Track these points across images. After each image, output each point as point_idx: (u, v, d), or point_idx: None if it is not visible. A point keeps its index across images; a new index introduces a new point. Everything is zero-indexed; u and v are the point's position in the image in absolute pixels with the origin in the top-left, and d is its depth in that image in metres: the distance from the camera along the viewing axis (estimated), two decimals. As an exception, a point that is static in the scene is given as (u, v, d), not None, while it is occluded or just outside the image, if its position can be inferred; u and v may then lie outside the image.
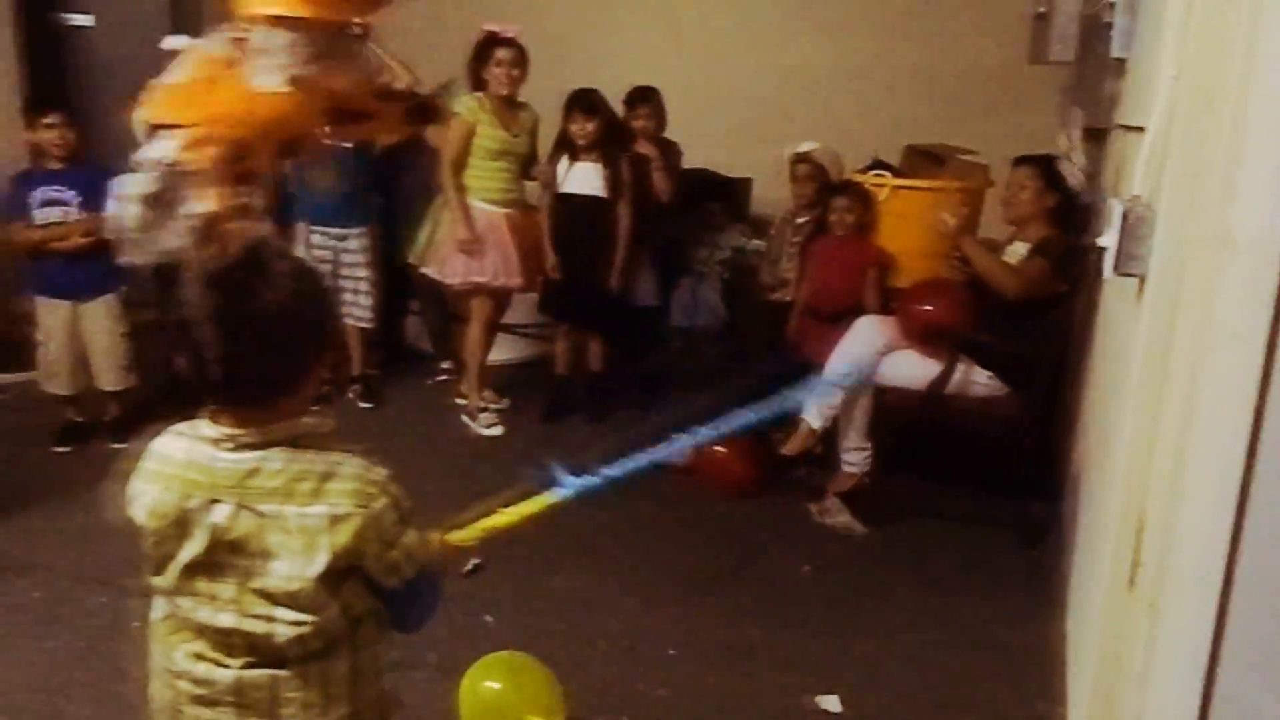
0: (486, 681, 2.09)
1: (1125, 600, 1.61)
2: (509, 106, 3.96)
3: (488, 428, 4.05)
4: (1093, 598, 1.96)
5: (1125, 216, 1.67)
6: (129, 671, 2.34)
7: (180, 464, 1.25)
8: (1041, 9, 3.91)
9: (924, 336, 3.27)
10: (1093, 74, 3.82)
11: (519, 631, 2.59)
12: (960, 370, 3.23)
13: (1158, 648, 1.43)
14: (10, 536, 3.03)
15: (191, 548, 1.23)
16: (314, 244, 4.16)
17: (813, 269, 3.88)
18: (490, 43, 3.92)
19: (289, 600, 1.23)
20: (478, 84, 3.95)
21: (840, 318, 3.62)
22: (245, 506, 1.22)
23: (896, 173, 3.98)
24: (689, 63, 5.17)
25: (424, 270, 4.13)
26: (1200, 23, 1.61)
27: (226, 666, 1.27)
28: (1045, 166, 3.34)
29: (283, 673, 1.26)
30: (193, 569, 1.24)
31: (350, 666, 1.30)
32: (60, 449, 3.72)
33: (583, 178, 4.02)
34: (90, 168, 3.66)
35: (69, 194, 3.59)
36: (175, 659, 1.30)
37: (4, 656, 2.45)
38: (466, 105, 3.92)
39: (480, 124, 3.91)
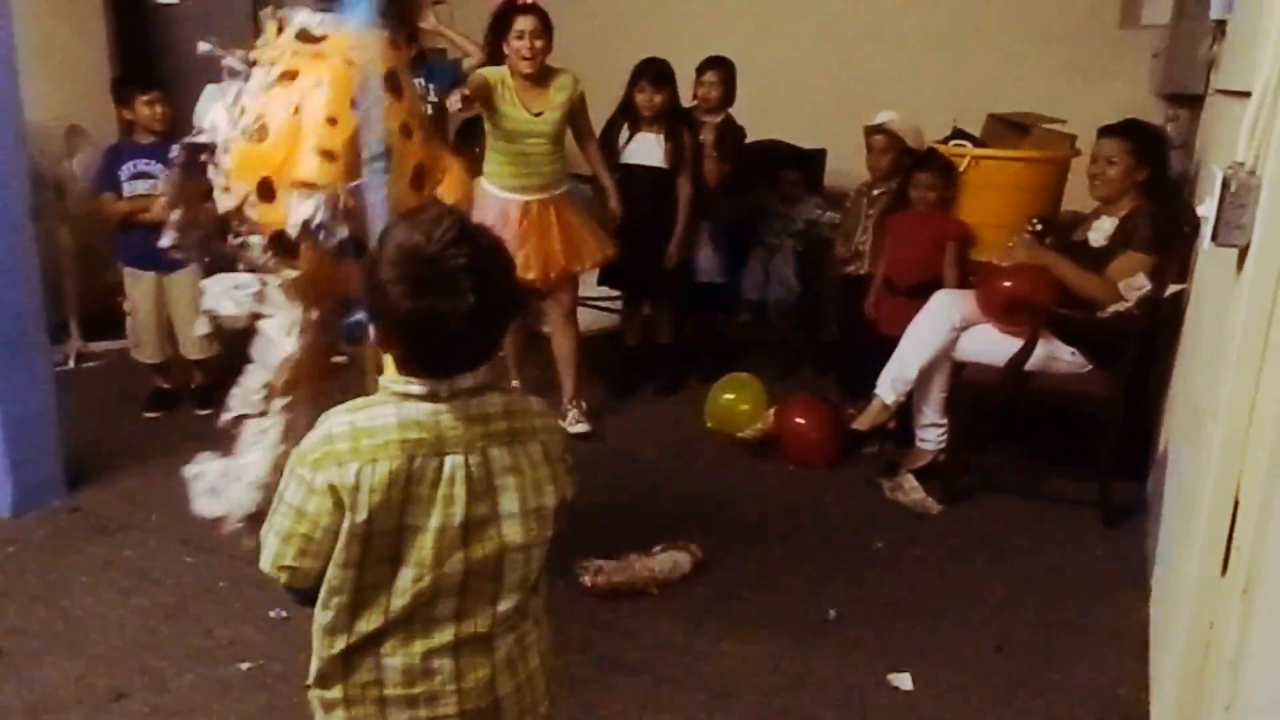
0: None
1: (1217, 584, 1.55)
2: (534, 82, 3.54)
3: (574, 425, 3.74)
4: (1182, 580, 1.90)
5: (1226, 184, 1.59)
6: (215, 630, 2.46)
7: (394, 428, 1.21)
8: (1134, -30, 3.75)
9: (1005, 311, 3.18)
10: (1188, 37, 3.66)
11: (586, 602, 2.61)
12: (1042, 346, 3.12)
13: (1251, 633, 1.38)
14: (103, 497, 3.16)
15: (442, 513, 1.22)
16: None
17: (891, 243, 3.80)
18: (509, 10, 3.54)
19: (533, 536, 1.27)
20: (497, 57, 3.57)
21: (918, 292, 3.54)
22: (478, 451, 1.24)
23: (978, 142, 3.86)
24: (762, 32, 5.07)
25: None
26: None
27: (463, 640, 1.27)
28: (1136, 137, 3.18)
29: (526, 621, 1.33)
30: (445, 532, 1.22)
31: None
32: (150, 414, 3.85)
33: (644, 149, 3.96)
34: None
35: (156, 167, 3.69)
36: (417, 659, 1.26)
37: (98, 611, 2.55)
38: (489, 73, 3.53)
39: (500, 99, 3.50)
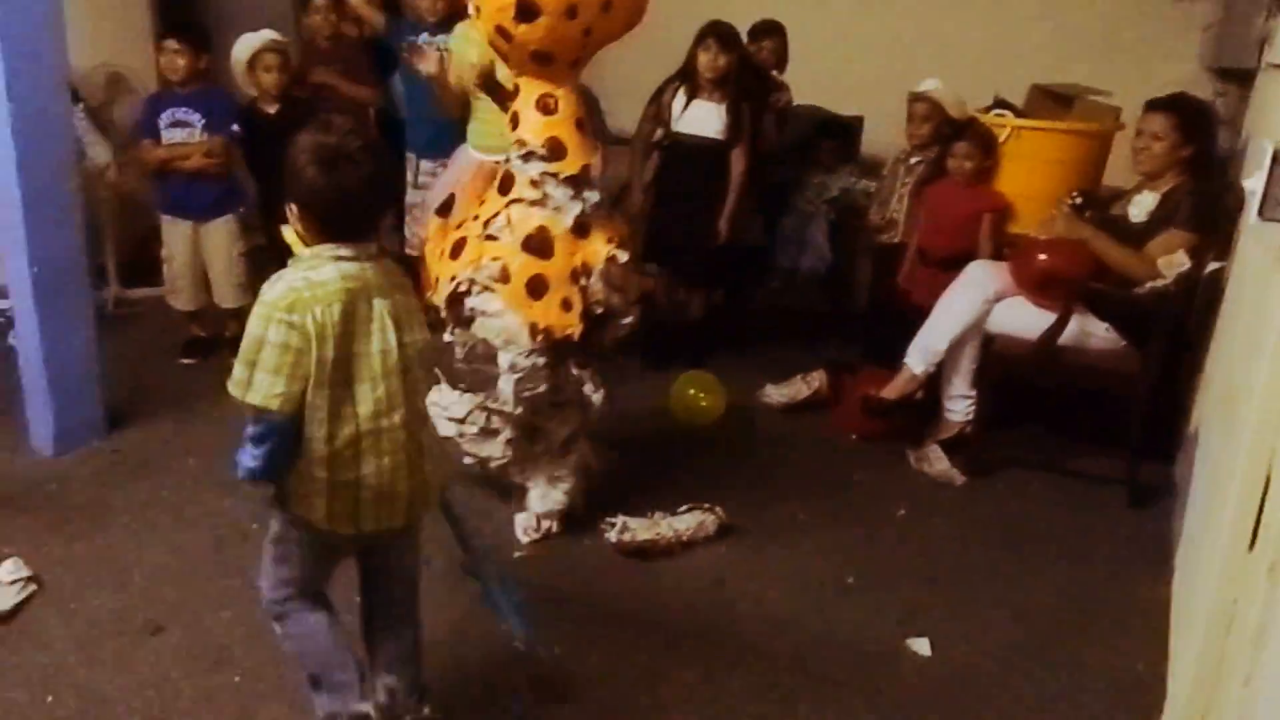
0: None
1: (1244, 561, 1.56)
2: None
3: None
4: (1207, 557, 1.90)
5: (1277, 159, 1.57)
6: (249, 570, 2.51)
7: (335, 280, 1.61)
8: (1187, -58, 3.66)
9: (1040, 285, 3.15)
10: (1242, 11, 3.58)
11: (611, 560, 2.65)
12: (1076, 322, 3.10)
13: (1276, 608, 1.38)
14: (142, 440, 3.23)
15: (379, 339, 1.66)
16: (423, 171, 4.20)
17: (926, 213, 3.77)
18: None
19: (423, 357, 1.76)
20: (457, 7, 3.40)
21: (952, 263, 3.52)
22: (390, 296, 1.68)
23: (1020, 113, 3.81)
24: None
25: None
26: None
27: (403, 426, 1.71)
28: (1183, 112, 3.11)
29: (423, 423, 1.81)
30: (385, 355, 1.66)
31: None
32: (185, 361, 3.92)
33: (701, 118, 3.75)
34: (214, 92, 3.79)
35: (194, 116, 3.71)
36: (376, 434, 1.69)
37: (136, 549, 2.62)
38: (456, 36, 3.43)
39: (466, 57, 3.35)
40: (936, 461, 3.27)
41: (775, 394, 3.77)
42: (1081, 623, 2.52)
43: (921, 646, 2.39)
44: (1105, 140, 3.69)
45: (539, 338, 2.52)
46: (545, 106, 2.50)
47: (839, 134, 4.74)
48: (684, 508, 2.80)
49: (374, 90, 4.36)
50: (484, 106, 3.35)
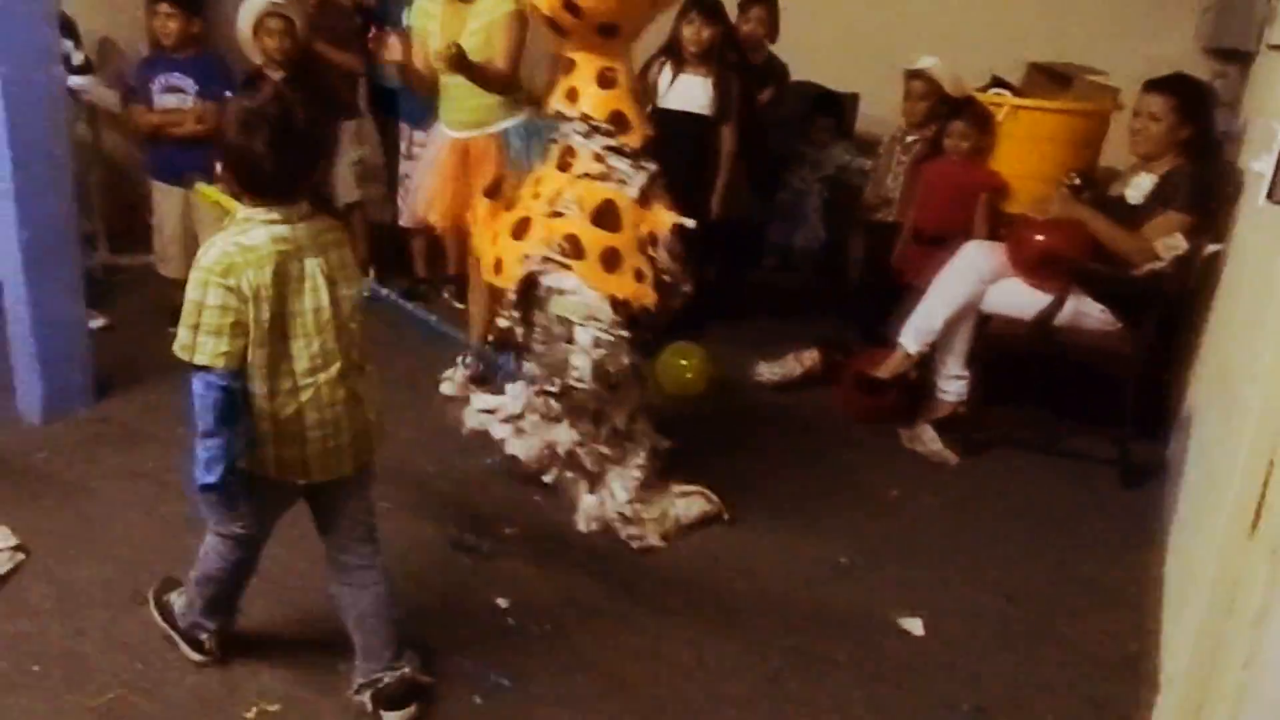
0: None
1: (1245, 544, 1.55)
2: (463, 2, 3.27)
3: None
4: (1206, 540, 1.90)
5: (1286, 141, 1.56)
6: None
7: (266, 243, 1.71)
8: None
9: (1036, 266, 3.14)
10: (1242, -9, 3.57)
11: (605, 537, 2.64)
12: (1072, 302, 3.10)
13: (1277, 592, 1.38)
14: (129, 408, 3.19)
15: (311, 297, 1.76)
16: (415, 142, 4.14)
17: (922, 191, 3.76)
18: None
19: (357, 311, 1.85)
20: None
21: (946, 242, 3.51)
22: (323, 254, 1.78)
23: (1017, 92, 3.79)
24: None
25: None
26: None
27: (340, 380, 1.81)
28: (1182, 93, 3.09)
29: (363, 376, 1.88)
30: (319, 313, 1.76)
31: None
32: (173, 329, 3.84)
33: (687, 92, 3.69)
34: (209, 58, 3.73)
35: (188, 81, 3.65)
36: (317, 386, 1.79)
37: (123, 518, 2.60)
38: (412, 10, 3.36)
39: (425, 33, 3.31)
40: (930, 441, 3.26)
41: (768, 372, 3.76)
42: (1074, 602, 2.53)
43: (914, 625, 2.39)
44: (1103, 120, 3.67)
45: (620, 310, 2.50)
46: (606, 80, 2.49)
47: (834, 110, 4.71)
48: (680, 489, 2.77)
49: (361, 59, 4.27)
50: (454, 84, 3.28)
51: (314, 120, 1.78)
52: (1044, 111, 3.64)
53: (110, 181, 4.39)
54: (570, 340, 2.51)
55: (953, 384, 3.39)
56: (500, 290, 2.61)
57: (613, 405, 2.64)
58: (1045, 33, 4.39)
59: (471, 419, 2.81)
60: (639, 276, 2.53)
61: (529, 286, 2.53)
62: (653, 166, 2.58)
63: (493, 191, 2.73)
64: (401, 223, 4.20)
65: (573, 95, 2.52)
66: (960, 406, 3.38)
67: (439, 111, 3.49)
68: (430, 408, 3.08)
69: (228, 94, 3.65)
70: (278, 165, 1.70)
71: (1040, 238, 3.16)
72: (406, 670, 1.97)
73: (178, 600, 2.11)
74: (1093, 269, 3.07)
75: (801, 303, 4.48)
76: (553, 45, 2.70)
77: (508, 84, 3.29)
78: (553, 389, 2.56)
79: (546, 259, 2.48)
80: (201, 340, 1.69)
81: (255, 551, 2.01)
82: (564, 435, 2.64)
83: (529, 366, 2.68)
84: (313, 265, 1.75)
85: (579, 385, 2.51)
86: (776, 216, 4.62)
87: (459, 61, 3.03)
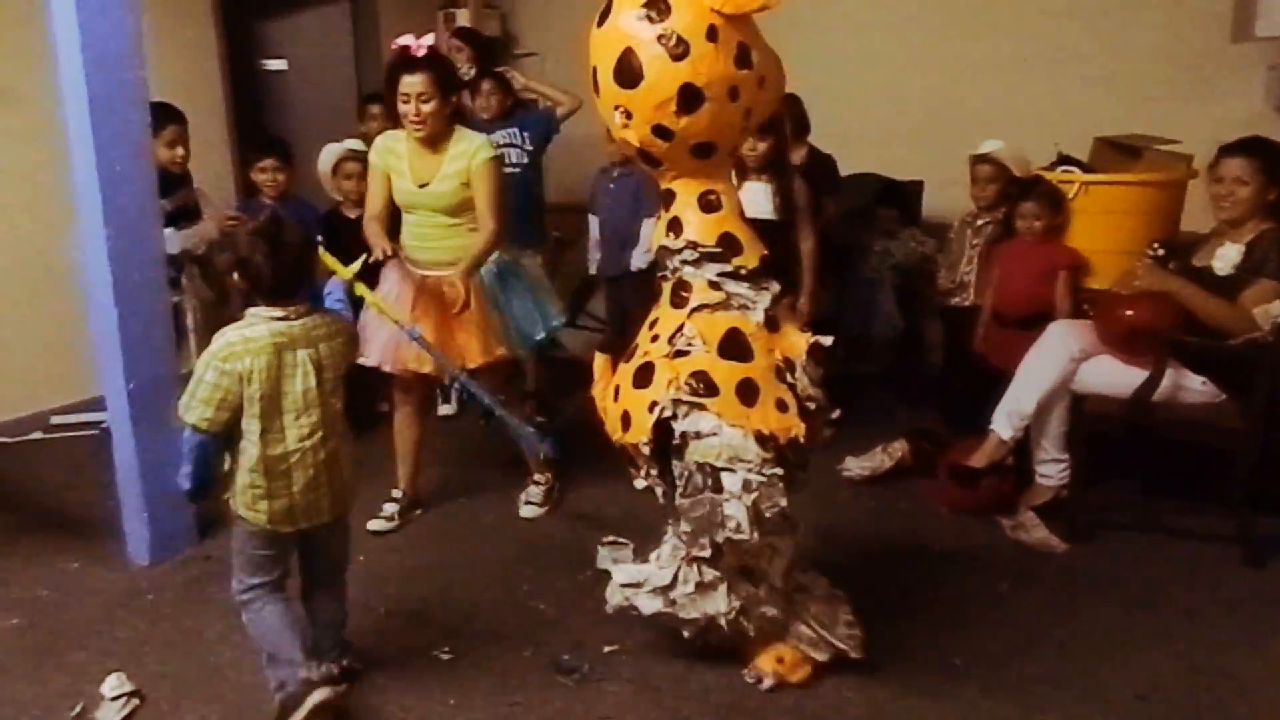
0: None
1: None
2: (429, 148, 3.11)
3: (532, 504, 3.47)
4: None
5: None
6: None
7: (265, 335, 2.14)
8: (1245, -19, 3.62)
9: (1128, 340, 3.07)
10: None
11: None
12: (1170, 376, 3.00)
13: None
14: (228, 546, 3.24)
15: (301, 381, 2.17)
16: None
17: (999, 273, 3.72)
18: (397, 65, 3.06)
19: (338, 389, 2.28)
20: (395, 116, 3.14)
21: (1029, 323, 3.45)
22: (314, 346, 2.20)
23: (1085, 168, 3.76)
24: (853, 62, 5.01)
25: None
26: None
27: (322, 445, 2.23)
28: (1263, 155, 3.03)
29: (341, 442, 2.29)
30: (307, 393, 2.18)
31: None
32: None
33: (753, 199, 3.59)
34: (299, 201, 3.96)
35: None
36: (295, 451, 2.20)
37: (232, 659, 2.63)
38: (377, 148, 3.22)
39: (391, 171, 3.17)
40: (1034, 529, 3.15)
41: (856, 466, 3.69)
42: (1213, 698, 2.38)
43: (1043, 730, 2.27)
44: (1178, 189, 3.61)
45: (767, 445, 2.25)
46: (708, 204, 2.30)
47: (897, 201, 4.73)
48: (812, 635, 2.51)
49: None
50: (430, 224, 3.19)
51: (305, 237, 2.23)
52: (1116, 185, 3.60)
53: (206, 319, 4.58)
54: (718, 489, 2.24)
55: (1052, 468, 3.29)
56: (632, 452, 2.35)
57: (763, 559, 2.38)
58: (1109, 105, 4.37)
59: (614, 595, 2.47)
60: (782, 407, 2.28)
61: (662, 436, 2.30)
62: (775, 286, 2.38)
63: (607, 348, 2.58)
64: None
65: (676, 227, 2.33)
66: (1062, 490, 3.27)
67: (407, 250, 3.26)
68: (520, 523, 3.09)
69: (319, 238, 3.84)
70: (274, 272, 2.13)
71: (1129, 312, 3.09)
72: (346, 661, 2.44)
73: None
74: (1186, 340, 2.99)
75: (881, 393, 4.42)
76: (649, 180, 2.54)
77: (503, 235, 3.21)
78: (704, 554, 2.28)
79: (677, 401, 2.25)
80: (194, 405, 2.12)
81: (280, 593, 2.32)
82: (723, 605, 2.36)
83: (669, 536, 2.42)
84: (303, 355, 2.18)
85: (737, 537, 2.23)
86: (849, 309, 4.60)
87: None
